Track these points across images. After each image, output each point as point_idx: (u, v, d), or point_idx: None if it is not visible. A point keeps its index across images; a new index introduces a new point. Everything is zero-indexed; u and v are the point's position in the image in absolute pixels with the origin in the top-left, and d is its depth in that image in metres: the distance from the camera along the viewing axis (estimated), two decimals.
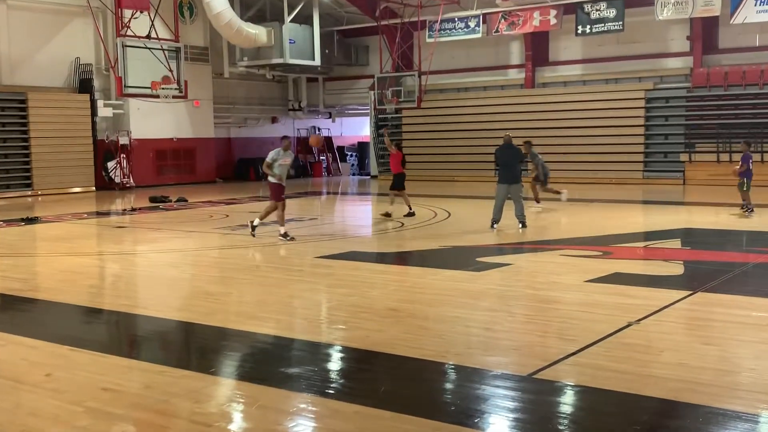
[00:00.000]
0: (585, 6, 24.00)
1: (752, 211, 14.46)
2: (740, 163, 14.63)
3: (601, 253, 10.69)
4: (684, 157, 23.79)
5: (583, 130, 25.18)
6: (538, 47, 26.84)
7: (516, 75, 27.59)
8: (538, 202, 16.16)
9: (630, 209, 16.07)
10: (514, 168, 13.06)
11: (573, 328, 6.58)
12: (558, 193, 16.58)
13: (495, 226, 13.11)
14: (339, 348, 6.18)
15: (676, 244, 11.86)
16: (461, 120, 27.27)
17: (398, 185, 15.47)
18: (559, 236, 12.49)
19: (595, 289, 8.13)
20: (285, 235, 12.21)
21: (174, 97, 19.30)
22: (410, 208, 15.15)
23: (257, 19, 27.26)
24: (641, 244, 11.82)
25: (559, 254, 10.59)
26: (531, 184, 16.30)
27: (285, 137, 12.47)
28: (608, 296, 7.81)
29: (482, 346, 6.19)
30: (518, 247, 11.49)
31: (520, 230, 12.78)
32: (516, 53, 27.62)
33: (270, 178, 12.20)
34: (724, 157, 22.73)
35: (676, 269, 9.59)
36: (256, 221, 12.62)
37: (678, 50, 24.69)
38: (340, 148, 35.02)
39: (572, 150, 25.18)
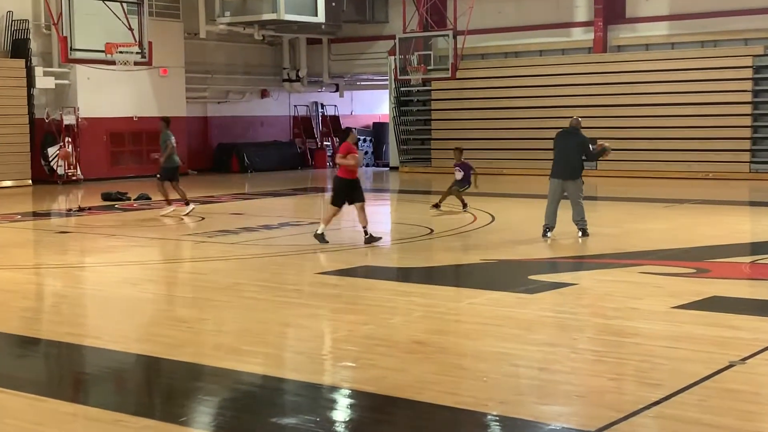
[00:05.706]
0: None
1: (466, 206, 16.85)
2: (460, 170, 16.90)
3: (694, 271, 10.64)
4: None
5: (670, 108, 25.04)
6: None
7: (582, 35, 27.51)
8: (169, 203, 16.61)
9: (733, 212, 16.00)
10: (571, 159, 13.07)
11: (656, 369, 6.55)
12: (169, 204, 16.79)
13: (548, 234, 13.14)
14: (347, 392, 6.19)
15: None
16: (509, 95, 27.22)
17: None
18: (638, 248, 12.43)
19: (686, 318, 8.10)
20: None
21: (135, 63, 19.41)
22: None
23: None
24: (747, 260, 11.75)
25: (637, 271, 10.54)
26: (158, 182, 16.92)
27: None
28: (703, 327, 7.78)
29: (536, 391, 6.18)
30: (583, 262, 11.44)
31: (580, 240, 12.76)
32: (582, 7, 27.54)
33: None
34: None
35: None
36: None
37: None
38: None
39: (656, 134, 25.04)
